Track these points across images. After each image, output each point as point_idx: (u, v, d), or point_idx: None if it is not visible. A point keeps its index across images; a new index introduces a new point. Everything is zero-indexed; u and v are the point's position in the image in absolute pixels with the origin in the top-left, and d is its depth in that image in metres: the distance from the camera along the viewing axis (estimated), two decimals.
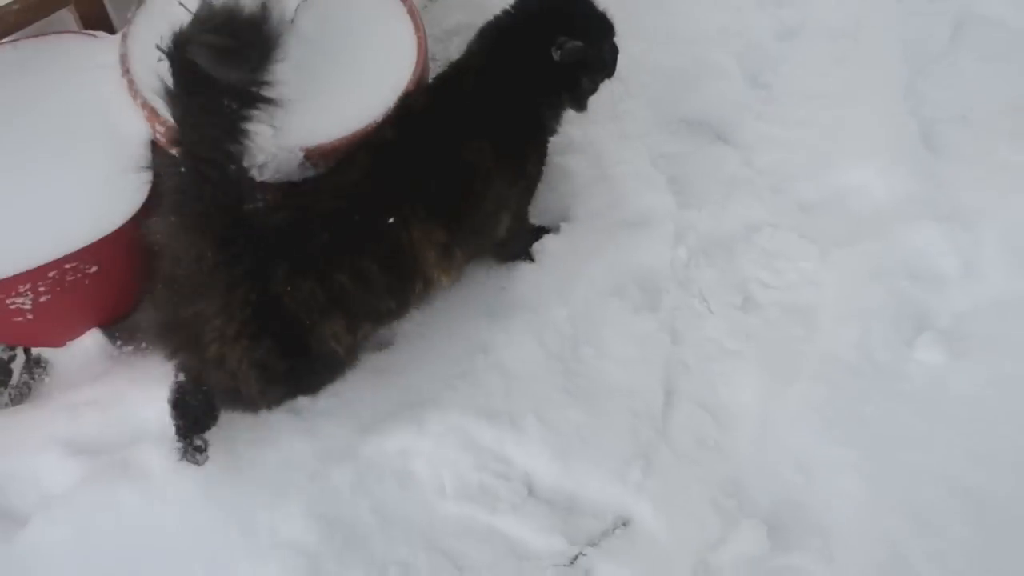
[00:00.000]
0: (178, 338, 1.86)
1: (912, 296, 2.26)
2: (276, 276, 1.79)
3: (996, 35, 2.82)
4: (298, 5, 1.99)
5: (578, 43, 2.00)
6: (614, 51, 2.16)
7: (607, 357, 2.13)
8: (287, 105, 1.87)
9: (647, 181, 2.41)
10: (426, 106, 1.99)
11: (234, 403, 1.96)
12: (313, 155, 1.92)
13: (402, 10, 2.16)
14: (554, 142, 2.23)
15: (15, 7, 2.09)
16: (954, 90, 2.68)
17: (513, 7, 2.10)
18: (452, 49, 2.68)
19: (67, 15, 2.20)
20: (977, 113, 2.62)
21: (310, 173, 1.93)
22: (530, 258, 2.27)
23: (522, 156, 2.11)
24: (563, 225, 2.33)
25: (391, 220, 1.87)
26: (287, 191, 1.92)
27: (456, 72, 2.08)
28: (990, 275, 2.29)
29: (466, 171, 1.96)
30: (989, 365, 2.14)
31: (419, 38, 2.11)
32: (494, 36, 2.10)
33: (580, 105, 2.18)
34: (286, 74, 1.91)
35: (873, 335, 2.19)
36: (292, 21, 1.99)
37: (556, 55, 2.01)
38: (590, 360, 2.12)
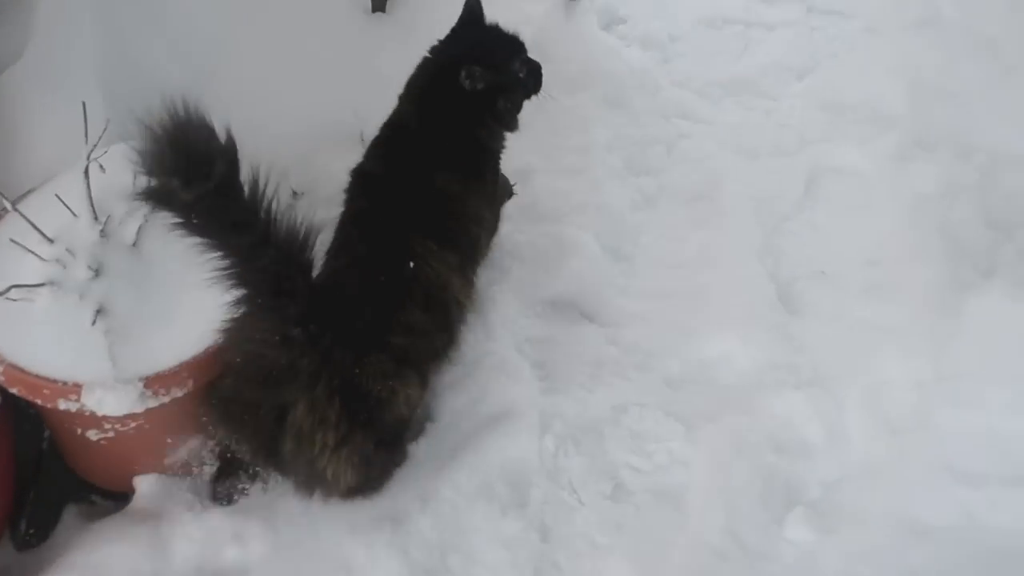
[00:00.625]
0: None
1: (779, 470, 2.26)
2: (347, 364, 1.91)
3: (849, 187, 2.91)
4: (140, 227, 1.98)
5: (477, 68, 2.17)
6: (530, 66, 2.33)
7: (477, 564, 2.08)
8: (125, 335, 1.88)
9: (512, 371, 2.40)
10: (381, 162, 2.21)
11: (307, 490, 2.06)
12: (153, 384, 1.88)
13: None
14: None
15: None
16: (810, 247, 2.74)
17: (428, 51, 2.30)
18: (318, 247, 2.67)
19: None
20: (834, 268, 2.67)
21: (152, 404, 1.90)
22: None
23: (481, 176, 2.31)
24: (427, 426, 2.30)
25: (411, 264, 2.04)
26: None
27: (397, 121, 2.28)
28: (854, 440, 2.30)
29: (444, 198, 2.18)
30: (859, 538, 2.13)
31: None
32: (418, 83, 2.30)
33: (508, 125, 2.34)
34: (125, 300, 1.91)
35: (741, 516, 2.16)
36: (134, 244, 1.97)
37: (465, 84, 2.19)
38: (458, 570, 2.07)
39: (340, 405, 1.92)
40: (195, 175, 1.70)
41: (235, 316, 1.88)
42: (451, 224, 2.18)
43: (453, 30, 2.32)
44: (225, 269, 1.80)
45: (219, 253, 1.78)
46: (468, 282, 2.24)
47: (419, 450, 2.24)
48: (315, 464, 1.95)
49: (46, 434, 2.26)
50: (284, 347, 1.87)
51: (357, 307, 1.97)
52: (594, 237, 2.71)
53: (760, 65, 3.30)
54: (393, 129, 2.29)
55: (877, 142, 2.98)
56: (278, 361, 1.88)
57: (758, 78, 3.26)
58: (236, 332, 1.90)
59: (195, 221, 1.74)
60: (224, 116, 2.77)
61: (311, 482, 2.03)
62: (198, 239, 1.76)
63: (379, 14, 3.18)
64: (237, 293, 1.83)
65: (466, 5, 2.32)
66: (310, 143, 2.89)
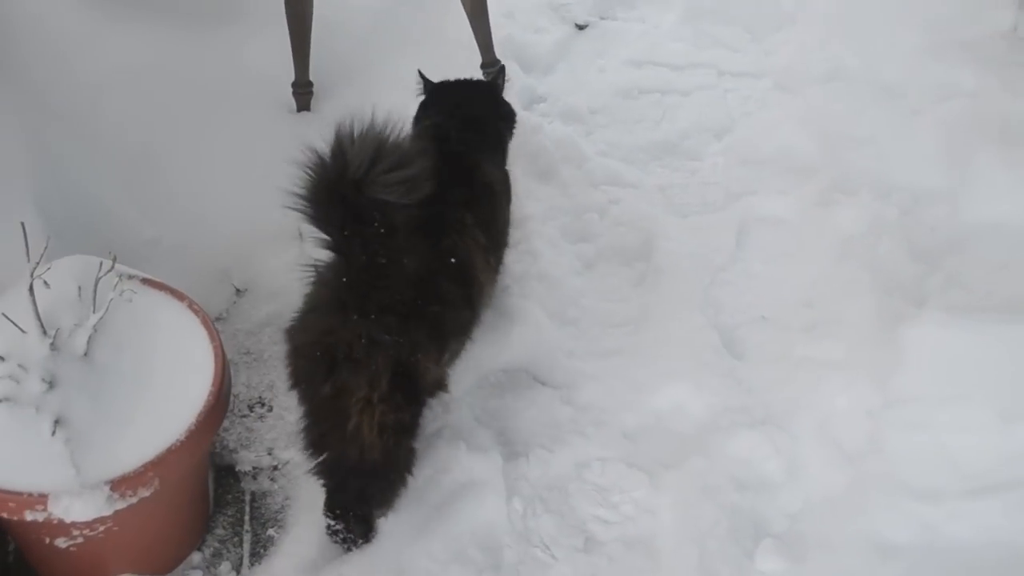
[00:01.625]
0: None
1: (744, 507, 2.30)
2: (391, 327, 2.03)
3: (778, 234, 3.00)
4: (90, 336, 1.99)
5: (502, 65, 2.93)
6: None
7: None
8: (86, 442, 1.88)
9: (473, 440, 2.44)
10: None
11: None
12: (119, 487, 1.89)
13: (195, 321, 2.19)
14: None
15: None
16: (748, 294, 2.82)
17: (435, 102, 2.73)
18: (265, 341, 2.72)
19: None
20: (773, 312, 2.75)
21: (120, 506, 1.89)
22: None
23: (504, 172, 2.69)
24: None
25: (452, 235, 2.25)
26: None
27: (435, 133, 2.47)
28: (813, 471, 2.35)
29: (488, 188, 2.48)
30: (829, 563, 2.17)
31: (215, 347, 2.13)
32: (454, 101, 2.71)
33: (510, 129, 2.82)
34: (82, 408, 1.92)
35: (713, 554, 2.20)
36: (85, 354, 1.98)
37: (501, 83, 2.85)
38: None
39: (382, 361, 2.02)
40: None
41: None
42: (488, 208, 2.44)
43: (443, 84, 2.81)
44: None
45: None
46: (490, 267, 2.42)
47: (390, 525, 2.25)
48: (349, 418, 2.04)
49: (11, 547, 2.23)
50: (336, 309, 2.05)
51: (400, 274, 2.07)
52: (538, 304, 2.76)
53: (680, 129, 3.42)
54: (432, 136, 2.43)
55: (799, 190, 3.09)
56: (332, 322, 2.05)
57: (679, 141, 3.37)
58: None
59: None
60: (161, 221, 2.83)
61: (337, 444, 2.10)
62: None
63: (304, 113, 3.26)
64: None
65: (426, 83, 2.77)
66: (248, 242, 2.93)
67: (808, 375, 2.54)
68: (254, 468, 2.47)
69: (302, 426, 2.15)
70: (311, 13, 3.12)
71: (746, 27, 3.84)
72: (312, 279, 2.16)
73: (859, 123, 3.28)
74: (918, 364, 2.45)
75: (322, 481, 2.21)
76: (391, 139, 2.02)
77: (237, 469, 2.46)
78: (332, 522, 2.22)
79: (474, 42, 3.37)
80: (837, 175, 3.11)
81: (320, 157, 1.98)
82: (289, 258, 2.83)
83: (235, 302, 2.83)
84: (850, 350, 2.57)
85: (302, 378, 2.13)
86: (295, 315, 2.17)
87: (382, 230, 2.01)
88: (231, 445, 2.50)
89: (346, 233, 2.02)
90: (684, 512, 2.29)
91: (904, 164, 3.07)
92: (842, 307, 2.70)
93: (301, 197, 2.02)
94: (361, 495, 2.19)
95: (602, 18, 3.95)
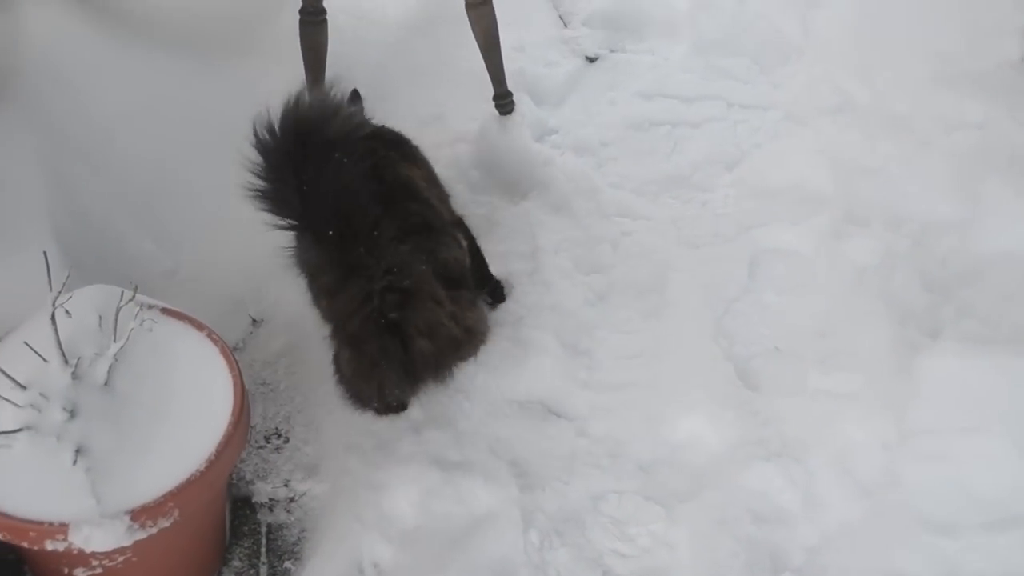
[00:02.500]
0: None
1: (761, 540, 2.29)
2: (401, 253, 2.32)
3: (790, 266, 3.01)
4: (110, 366, 2.00)
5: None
6: None
7: None
8: (107, 471, 1.88)
9: (488, 472, 2.43)
10: None
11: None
12: (140, 516, 1.88)
13: (215, 351, 2.19)
14: (387, 444, 2.44)
15: None
16: (762, 325, 2.82)
17: None
18: (281, 372, 2.73)
19: None
20: (787, 344, 2.75)
21: (140, 536, 1.89)
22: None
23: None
24: (411, 533, 2.31)
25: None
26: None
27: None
28: (830, 504, 2.35)
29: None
30: None
31: (234, 377, 2.13)
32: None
33: None
34: (103, 438, 1.92)
35: None
36: (106, 383, 1.99)
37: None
38: None
39: (422, 282, 2.34)
40: None
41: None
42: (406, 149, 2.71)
43: None
44: None
45: None
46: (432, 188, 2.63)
47: (406, 557, 2.26)
48: (447, 329, 2.39)
49: None
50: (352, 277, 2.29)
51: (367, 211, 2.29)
52: (552, 335, 2.77)
53: (691, 161, 3.42)
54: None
55: (811, 221, 3.10)
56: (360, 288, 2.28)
57: (690, 173, 3.37)
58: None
59: None
60: (177, 252, 2.84)
61: (448, 348, 2.43)
62: None
63: None
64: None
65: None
66: (263, 273, 2.93)
67: (823, 407, 2.54)
68: (271, 500, 2.46)
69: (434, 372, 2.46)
70: (326, 45, 3.14)
71: (754, 59, 3.86)
72: (309, 282, 2.41)
73: (869, 154, 3.30)
74: (934, 396, 2.47)
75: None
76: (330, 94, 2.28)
77: (253, 500, 2.46)
78: None
79: (487, 74, 3.39)
80: (848, 206, 3.12)
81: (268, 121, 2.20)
82: (305, 291, 2.85)
83: (251, 332, 2.84)
84: (865, 381, 2.58)
85: (384, 352, 2.34)
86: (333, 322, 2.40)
87: (337, 177, 2.21)
88: (248, 476, 2.50)
89: (305, 189, 2.18)
90: (701, 545, 2.29)
91: (915, 195, 3.09)
92: (856, 338, 2.71)
93: (257, 167, 2.22)
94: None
95: (612, 51, 3.96)
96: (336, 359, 2.47)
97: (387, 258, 2.27)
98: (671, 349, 2.73)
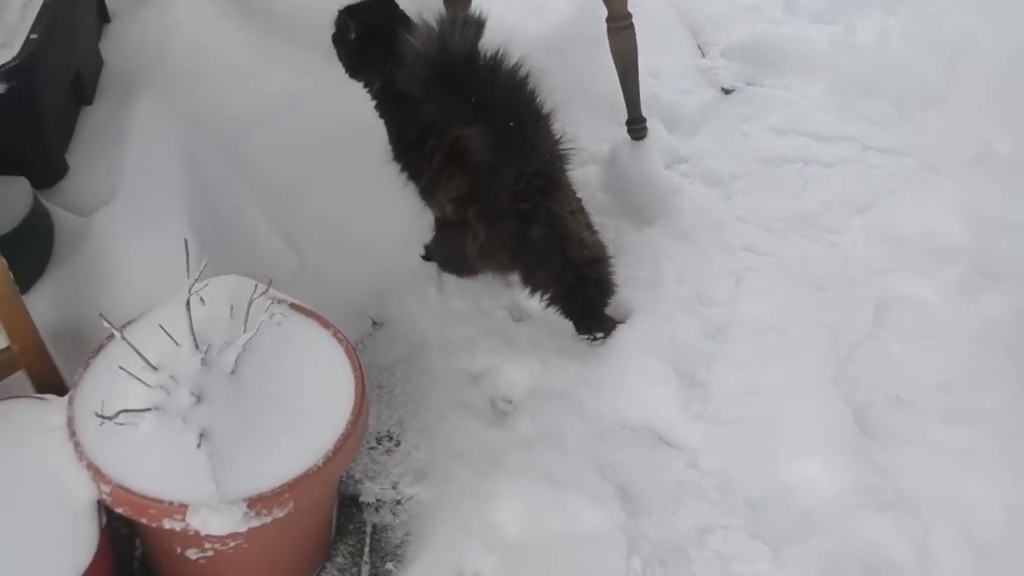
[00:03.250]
0: None
1: None
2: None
3: (918, 315, 2.94)
4: (238, 355, 2.05)
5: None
6: None
7: None
8: (228, 457, 1.93)
9: (594, 493, 2.43)
10: None
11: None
12: (256, 504, 1.92)
13: (339, 350, 2.23)
14: (497, 456, 2.49)
15: None
16: (884, 373, 2.76)
17: None
18: (398, 377, 2.76)
19: (22, 375, 2.27)
20: (909, 394, 2.69)
21: (254, 524, 1.93)
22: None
23: None
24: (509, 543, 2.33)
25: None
26: None
27: None
28: (944, 562, 2.28)
29: None
30: None
31: (356, 377, 2.17)
32: None
33: None
34: (226, 424, 1.96)
35: None
36: (233, 371, 2.04)
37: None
38: None
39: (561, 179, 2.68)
40: None
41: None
42: None
43: None
44: None
45: None
46: None
47: (507, 571, 2.26)
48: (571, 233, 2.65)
49: (137, 553, 2.31)
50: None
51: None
52: (668, 364, 2.75)
53: (821, 201, 3.37)
54: None
55: (942, 272, 3.03)
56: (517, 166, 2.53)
57: (820, 213, 3.32)
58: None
59: None
60: (304, 249, 2.91)
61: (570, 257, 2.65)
62: None
63: None
64: None
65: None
66: (387, 278, 2.99)
67: (943, 461, 2.48)
68: (377, 500, 2.49)
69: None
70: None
71: (894, 103, 3.79)
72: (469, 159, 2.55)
73: (1009, 208, 3.22)
74: None
75: (571, 304, 2.77)
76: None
77: (361, 500, 2.49)
78: (591, 335, 2.83)
79: (621, 97, 3.41)
80: (983, 260, 3.04)
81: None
82: (427, 299, 2.89)
83: (371, 335, 2.88)
84: (988, 439, 2.51)
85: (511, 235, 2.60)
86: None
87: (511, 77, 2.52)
88: (357, 476, 2.53)
89: (473, 100, 2.45)
90: None
91: None
92: (981, 394, 2.64)
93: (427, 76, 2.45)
94: (599, 286, 2.77)
95: (749, 84, 3.94)
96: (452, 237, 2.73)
97: (545, 145, 2.60)
98: (789, 388, 2.68)
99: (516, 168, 2.50)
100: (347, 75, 2.82)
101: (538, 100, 2.58)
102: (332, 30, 2.78)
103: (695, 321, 2.90)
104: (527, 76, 2.54)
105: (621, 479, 2.50)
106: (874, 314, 2.95)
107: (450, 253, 2.84)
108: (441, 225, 2.82)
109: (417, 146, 2.64)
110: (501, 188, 2.52)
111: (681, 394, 2.70)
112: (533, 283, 2.71)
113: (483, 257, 2.65)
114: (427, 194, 2.74)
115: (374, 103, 2.82)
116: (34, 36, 2.61)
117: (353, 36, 2.70)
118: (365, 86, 2.80)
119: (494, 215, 2.56)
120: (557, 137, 2.63)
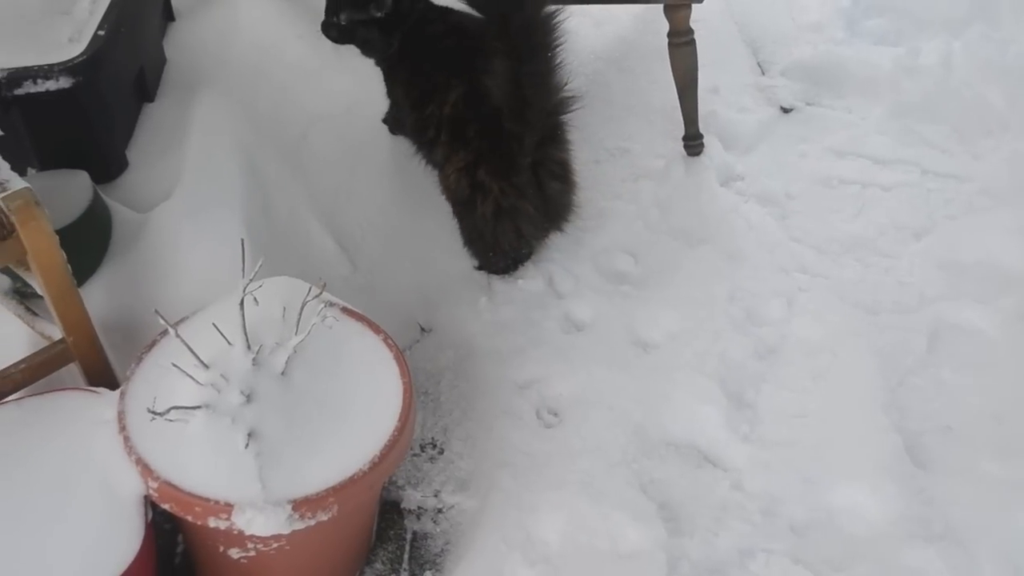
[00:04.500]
0: None
1: None
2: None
3: (972, 344, 2.90)
4: (289, 357, 2.06)
5: None
6: None
7: None
8: (275, 458, 1.94)
9: (636, 509, 2.41)
10: None
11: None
12: (301, 507, 1.93)
13: (389, 356, 2.24)
14: (541, 467, 2.46)
15: (21, 367, 2.20)
16: (936, 402, 2.72)
17: None
18: (444, 385, 2.76)
19: (75, 367, 2.29)
20: (961, 424, 2.65)
21: (298, 526, 1.94)
22: None
23: None
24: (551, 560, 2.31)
25: None
26: None
27: None
28: None
29: None
30: None
31: (404, 384, 2.17)
32: None
33: None
34: (274, 426, 1.98)
35: None
36: (283, 373, 2.05)
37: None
38: None
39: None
40: None
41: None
42: None
43: None
44: None
45: None
46: None
47: None
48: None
49: (179, 550, 2.33)
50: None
51: None
52: (717, 384, 2.73)
53: (877, 224, 3.34)
54: None
55: (999, 302, 2.98)
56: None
57: (876, 236, 3.29)
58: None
59: None
60: (355, 254, 2.93)
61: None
62: None
63: None
64: None
65: None
66: (436, 286, 3.00)
67: (994, 493, 2.44)
68: (419, 508, 2.49)
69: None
70: None
71: (955, 128, 3.74)
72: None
73: None
74: None
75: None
76: None
77: (402, 507, 2.50)
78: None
79: (678, 113, 3.39)
80: None
81: None
82: (477, 307, 2.90)
83: (419, 341, 2.89)
84: None
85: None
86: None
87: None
88: (399, 482, 2.54)
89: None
90: None
91: None
92: None
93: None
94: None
95: (808, 104, 3.91)
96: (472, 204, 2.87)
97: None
98: (838, 413, 2.65)
99: (538, 113, 2.73)
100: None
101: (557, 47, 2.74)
102: None
103: (745, 341, 2.88)
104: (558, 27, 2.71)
105: (663, 496, 2.48)
106: (927, 341, 2.90)
107: (472, 233, 2.96)
108: (457, 205, 2.95)
109: (423, 108, 2.82)
110: (518, 137, 2.73)
111: (728, 413, 2.67)
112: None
113: (500, 215, 2.81)
114: (438, 166, 2.93)
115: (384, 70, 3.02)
116: (101, 33, 2.64)
117: None
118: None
119: (509, 168, 2.77)
120: (564, 83, 2.81)
